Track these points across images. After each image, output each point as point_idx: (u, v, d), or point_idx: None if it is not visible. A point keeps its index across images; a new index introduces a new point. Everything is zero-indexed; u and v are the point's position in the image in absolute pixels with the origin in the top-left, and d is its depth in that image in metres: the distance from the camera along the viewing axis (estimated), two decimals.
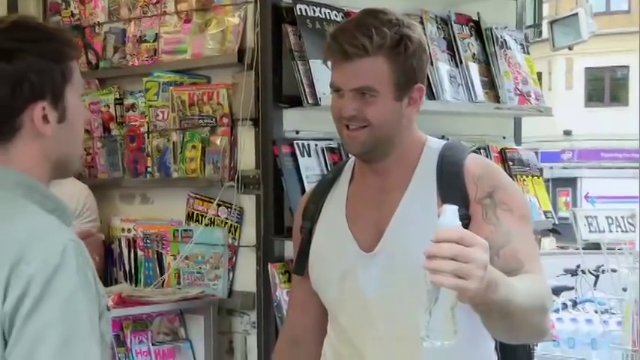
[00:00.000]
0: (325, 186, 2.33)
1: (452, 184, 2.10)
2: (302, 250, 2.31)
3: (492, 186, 2.11)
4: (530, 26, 3.97)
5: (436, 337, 1.64)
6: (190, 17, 3.44)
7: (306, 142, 3.16)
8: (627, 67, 27.35)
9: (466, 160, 2.14)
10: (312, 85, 3.05)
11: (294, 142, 3.14)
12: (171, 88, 3.42)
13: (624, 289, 5.99)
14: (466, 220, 2.02)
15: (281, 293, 3.09)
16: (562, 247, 15.53)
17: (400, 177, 2.16)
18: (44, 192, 1.72)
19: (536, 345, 2.40)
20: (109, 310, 1.70)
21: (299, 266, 2.33)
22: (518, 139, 3.83)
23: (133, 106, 3.58)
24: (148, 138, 3.51)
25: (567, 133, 25.87)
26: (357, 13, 2.18)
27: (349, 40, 2.07)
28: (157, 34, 3.54)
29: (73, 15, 3.83)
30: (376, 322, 2.15)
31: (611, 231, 4.63)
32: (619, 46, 23.85)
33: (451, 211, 1.66)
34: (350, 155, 2.33)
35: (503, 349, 2.27)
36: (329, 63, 2.19)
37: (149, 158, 3.51)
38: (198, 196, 3.38)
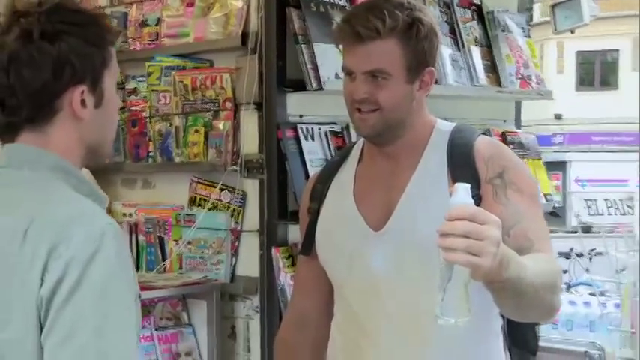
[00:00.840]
0: (333, 168, 2.35)
1: (463, 165, 2.13)
2: (309, 231, 2.33)
3: (502, 167, 2.13)
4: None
5: (450, 315, 1.66)
6: (193, 1, 3.42)
7: (309, 126, 3.16)
8: (617, 50, 27.42)
9: (476, 142, 2.17)
10: (316, 69, 3.04)
11: (298, 126, 3.14)
12: (173, 72, 3.40)
13: (618, 272, 6.04)
14: (477, 200, 2.03)
15: (285, 277, 3.09)
16: (551, 231, 15.60)
17: (410, 158, 2.18)
18: (80, 176, 1.73)
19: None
20: (140, 296, 1.70)
21: (306, 247, 2.35)
22: (518, 123, 3.84)
23: (134, 91, 3.57)
24: (150, 122, 3.49)
25: (558, 117, 25.95)
26: None
27: (362, 23, 2.09)
28: (159, 17, 3.52)
29: None
30: (385, 300, 2.16)
31: (609, 214, 4.65)
32: (610, 30, 23.91)
33: (463, 189, 1.68)
34: (357, 137, 2.33)
35: (511, 332, 2.30)
36: (340, 47, 2.20)
37: (151, 143, 3.50)
38: (200, 181, 3.38)
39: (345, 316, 2.27)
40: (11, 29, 1.67)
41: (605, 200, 4.43)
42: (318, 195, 2.32)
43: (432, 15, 2.21)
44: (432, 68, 2.18)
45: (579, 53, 27.72)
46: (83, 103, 1.68)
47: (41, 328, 1.56)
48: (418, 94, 2.16)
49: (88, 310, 1.54)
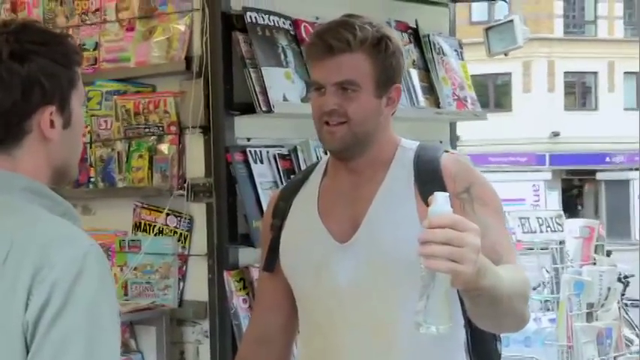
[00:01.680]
0: (296, 185, 2.37)
1: (431, 181, 2.16)
2: (272, 248, 2.34)
3: (469, 182, 2.19)
4: None
5: (431, 323, 1.67)
6: (133, 25, 3.40)
7: (258, 149, 3.18)
8: (509, 74, 28.18)
9: (442, 158, 2.22)
10: (264, 93, 3.07)
11: (247, 149, 3.15)
12: (114, 97, 3.37)
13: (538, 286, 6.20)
14: None
15: (237, 301, 3.09)
16: None
17: (375, 173, 2.22)
18: (53, 197, 1.69)
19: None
20: (120, 314, 1.69)
21: (269, 263, 2.35)
22: (453, 143, 3.92)
23: None
24: (91, 148, 3.45)
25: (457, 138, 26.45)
26: (339, 17, 2.23)
27: (333, 35, 2.14)
28: (97, 42, 3.49)
29: None
30: (350, 312, 2.18)
31: (542, 231, 4.80)
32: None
33: (442, 197, 1.71)
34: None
35: (474, 347, 2.34)
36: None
37: (92, 168, 3.45)
38: (145, 206, 3.35)
39: (309, 329, 2.28)
40: None
41: (537, 218, 4.58)
42: (281, 211, 2.33)
43: (399, 37, 2.27)
44: (399, 85, 2.23)
45: (472, 77, 28.36)
46: (52, 124, 1.66)
47: (27, 353, 1.53)
48: (386, 110, 2.21)
49: (75, 331, 1.52)
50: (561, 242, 4.87)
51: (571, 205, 26.73)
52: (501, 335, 2.41)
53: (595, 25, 29.17)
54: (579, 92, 29.75)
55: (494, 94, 28.84)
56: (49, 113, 1.65)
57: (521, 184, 24.11)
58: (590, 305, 4.87)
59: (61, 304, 1.52)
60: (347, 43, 2.13)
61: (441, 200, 1.70)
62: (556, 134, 27.79)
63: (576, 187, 30.07)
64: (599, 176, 28.65)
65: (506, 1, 3.68)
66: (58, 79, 1.66)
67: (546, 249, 4.96)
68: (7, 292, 1.54)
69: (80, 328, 1.52)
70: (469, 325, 2.27)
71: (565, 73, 28.45)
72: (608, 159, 28.15)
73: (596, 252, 5.11)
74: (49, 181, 1.70)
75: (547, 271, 5.51)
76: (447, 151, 2.31)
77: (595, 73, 28.82)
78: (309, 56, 2.25)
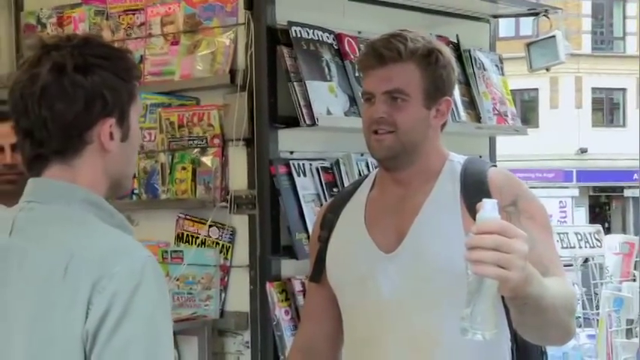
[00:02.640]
0: (344, 197, 2.40)
1: (477, 194, 2.17)
2: (319, 258, 2.37)
3: (515, 195, 2.20)
4: None
5: (477, 329, 1.67)
6: (178, 39, 3.45)
7: (301, 162, 3.21)
8: (537, 89, 28.08)
9: (489, 172, 2.25)
10: (309, 106, 3.10)
11: (290, 161, 3.18)
12: (159, 109, 3.41)
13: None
14: None
15: (280, 312, 3.11)
16: None
17: (422, 185, 2.24)
18: (109, 209, 1.73)
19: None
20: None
21: (316, 274, 2.39)
22: (493, 157, 3.93)
23: None
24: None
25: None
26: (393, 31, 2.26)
27: (385, 45, 2.19)
28: (142, 55, 3.53)
29: None
30: (395, 323, 2.20)
31: (580, 247, 4.79)
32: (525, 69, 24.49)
33: (491, 204, 1.71)
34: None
35: (519, 358, 2.34)
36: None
37: (135, 180, 3.49)
38: (188, 217, 3.38)
39: (354, 339, 2.30)
40: (42, 62, 1.68)
41: (576, 234, 4.55)
42: (329, 223, 2.36)
43: (451, 53, 2.30)
44: (449, 98, 2.25)
45: None
46: (111, 136, 1.70)
47: None
48: (434, 122, 2.23)
49: (135, 341, 1.56)
50: (599, 258, 4.84)
51: (598, 222, 26.53)
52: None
53: (624, 42, 29.02)
54: (607, 109, 29.57)
55: (520, 110, 28.70)
56: (109, 125, 1.69)
57: (548, 200, 23.99)
58: (630, 321, 4.83)
59: (121, 315, 1.56)
60: (398, 52, 2.17)
61: (489, 207, 1.71)
62: (583, 151, 27.65)
63: (604, 203, 29.87)
64: (626, 193, 28.46)
65: (547, 17, 3.69)
66: (119, 93, 1.70)
67: (584, 265, 4.94)
68: (68, 302, 1.58)
69: (140, 338, 1.56)
70: (515, 339, 2.28)
71: (593, 89, 28.31)
72: (635, 176, 27.92)
73: (635, 268, 5.08)
74: (105, 192, 1.74)
75: (579, 287, 5.48)
76: (494, 166, 2.33)
77: (623, 90, 28.64)
78: (361, 67, 2.29)
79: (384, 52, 2.17)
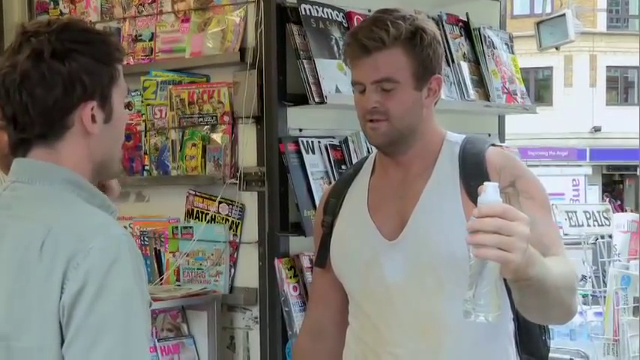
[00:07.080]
0: (346, 181, 2.41)
1: (475, 174, 2.18)
2: (323, 243, 2.38)
3: (514, 175, 2.20)
4: None
5: (480, 311, 1.70)
6: (188, 16, 3.46)
7: (309, 140, 3.23)
8: (551, 67, 27.96)
9: (487, 152, 2.24)
10: (318, 84, 3.11)
11: (299, 139, 3.20)
12: (170, 86, 3.44)
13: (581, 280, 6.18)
14: None
15: (288, 288, 3.15)
16: None
17: (422, 168, 2.25)
18: (91, 189, 1.77)
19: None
20: (151, 304, 1.75)
21: (321, 259, 2.40)
22: (502, 136, 3.95)
23: (128, 105, 3.58)
24: (146, 136, 3.52)
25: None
26: (372, 13, 2.26)
27: (367, 34, 2.18)
28: (153, 33, 3.56)
29: (62, 14, 3.81)
30: (399, 308, 2.22)
31: (589, 225, 4.79)
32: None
33: (492, 187, 1.73)
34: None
35: (522, 339, 2.36)
36: (347, 63, 2.28)
37: (146, 156, 3.52)
38: (198, 194, 3.41)
39: (361, 324, 2.32)
40: (22, 49, 1.71)
41: (585, 212, 4.55)
42: (332, 208, 2.38)
43: (434, 26, 2.29)
44: (439, 75, 2.25)
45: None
46: (93, 118, 1.73)
47: (60, 334, 1.60)
48: (427, 102, 2.23)
49: (111, 318, 1.59)
50: (608, 236, 4.85)
51: (612, 200, 26.48)
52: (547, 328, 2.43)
53: (639, 20, 28.85)
54: (621, 87, 29.44)
55: (535, 88, 28.62)
56: (91, 108, 1.72)
57: (561, 178, 23.88)
58: (637, 299, 4.83)
59: (97, 292, 1.59)
60: (381, 41, 2.16)
61: (490, 190, 1.72)
62: (597, 129, 27.55)
63: (617, 182, 29.78)
64: None
65: None
66: (99, 76, 1.73)
67: (594, 243, 4.95)
68: (43, 276, 1.62)
69: (116, 316, 1.59)
70: (517, 319, 2.30)
71: (607, 67, 28.18)
72: None
73: None
74: (91, 174, 1.77)
75: (589, 265, 5.49)
76: (494, 145, 2.33)
77: (638, 68, 28.46)
78: (346, 57, 2.27)
79: (368, 42, 2.16)
